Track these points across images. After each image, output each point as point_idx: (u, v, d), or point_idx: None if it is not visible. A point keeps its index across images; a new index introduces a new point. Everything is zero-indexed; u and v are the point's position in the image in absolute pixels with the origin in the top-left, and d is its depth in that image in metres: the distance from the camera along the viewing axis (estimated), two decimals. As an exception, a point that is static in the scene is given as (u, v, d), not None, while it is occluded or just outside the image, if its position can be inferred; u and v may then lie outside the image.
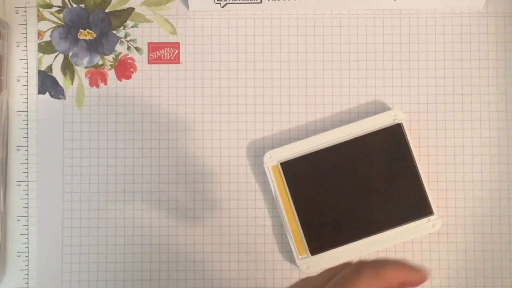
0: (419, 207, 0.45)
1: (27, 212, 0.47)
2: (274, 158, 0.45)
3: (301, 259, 0.45)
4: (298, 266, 0.45)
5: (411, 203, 0.45)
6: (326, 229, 0.44)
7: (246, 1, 0.47)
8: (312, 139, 0.45)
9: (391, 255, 0.46)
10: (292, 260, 0.46)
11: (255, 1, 0.47)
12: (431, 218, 0.45)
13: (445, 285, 0.46)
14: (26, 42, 0.48)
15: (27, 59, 0.48)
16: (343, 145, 0.45)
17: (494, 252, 0.46)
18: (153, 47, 0.48)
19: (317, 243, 0.44)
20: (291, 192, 0.45)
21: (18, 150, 0.47)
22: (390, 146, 0.45)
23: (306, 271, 0.44)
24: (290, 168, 0.45)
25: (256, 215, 0.46)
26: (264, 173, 0.46)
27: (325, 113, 0.47)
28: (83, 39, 0.48)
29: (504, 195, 0.46)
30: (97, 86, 0.48)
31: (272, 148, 0.46)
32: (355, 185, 0.45)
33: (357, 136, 0.45)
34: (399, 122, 0.45)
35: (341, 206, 0.45)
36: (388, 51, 0.47)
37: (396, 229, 0.44)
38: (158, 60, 0.48)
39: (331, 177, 0.45)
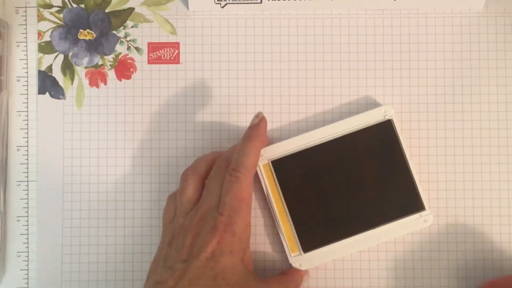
0: (410, 202, 0.45)
1: (27, 212, 0.47)
2: (265, 156, 0.45)
3: (293, 256, 0.45)
4: (290, 264, 0.45)
5: (403, 199, 0.44)
6: (318, 227, 0.44)
7: (246, 1, 0.47)
8: (302, 137, 0.45)
9: (391, 254, 0.46)
10: (284, 259, 0.46)
11: (255, 1, 0.47)
12: (423, 213, 0.45)
13: (445, 285, 0.46)
14: (26, 42, 0.48)
15: (27, 59, 0.48)
16: (334, 142, 0.45)
17: (494, 252, 0.46)
18: (153, 47, 0.48)
19: (309, 240, 0.44)
20: (283, 190, 0.45)
21: (18, 150, 0.47)
22: (381, 142, 0.45)
23: (300, 268, 0.44)
24: (281, 166, 0.45)
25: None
26: (256, 172, 0.46)
27: (325, 113, 0.47)
28: (83, 39, 0.48)
29: (504, 195, 0.46)
30: (97, 86, 0.48)
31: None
32: (346, 182, 0.45)
33: (348, 133, 0.45)
34: (390, 118, 0.45)
35: (332, 203, 0.44)
36: (388, 51, 0.47)
37: (388, 225, 0.44)
38: (158, 60, 0.48)
39: (323, 174, 0.45)
